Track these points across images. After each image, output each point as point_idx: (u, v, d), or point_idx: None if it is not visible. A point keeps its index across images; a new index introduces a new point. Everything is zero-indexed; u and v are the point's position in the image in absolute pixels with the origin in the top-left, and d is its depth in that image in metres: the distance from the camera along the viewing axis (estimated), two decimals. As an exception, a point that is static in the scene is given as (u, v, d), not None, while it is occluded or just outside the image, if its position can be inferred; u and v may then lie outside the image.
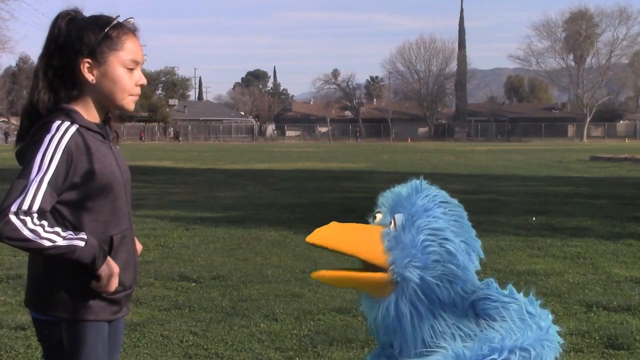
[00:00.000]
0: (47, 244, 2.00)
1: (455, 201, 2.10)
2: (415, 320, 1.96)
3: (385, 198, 2.10)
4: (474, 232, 2.07)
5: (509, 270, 7.00)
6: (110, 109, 2.27)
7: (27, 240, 1.98)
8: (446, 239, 1.98)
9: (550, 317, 1.95)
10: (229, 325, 5.18)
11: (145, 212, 11.00)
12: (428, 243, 1.96)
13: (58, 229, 2.03)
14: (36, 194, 2.01)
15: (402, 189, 2.09)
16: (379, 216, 2.09)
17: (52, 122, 2.10)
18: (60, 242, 2.01)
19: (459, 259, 1.97)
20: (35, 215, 2.00)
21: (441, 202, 2.04)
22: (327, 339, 4.83)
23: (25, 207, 1.99)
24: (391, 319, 1.98)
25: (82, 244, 2.04)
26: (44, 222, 2.01)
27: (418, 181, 2.11)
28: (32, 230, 1.98)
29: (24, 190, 2.00)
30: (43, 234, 2.00)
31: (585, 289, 6.25)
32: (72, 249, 2.02)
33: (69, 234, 2.04)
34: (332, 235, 2.00)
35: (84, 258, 2.05)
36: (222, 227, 9.93)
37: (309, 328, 5.11)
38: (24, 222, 1.98)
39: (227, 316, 5.42)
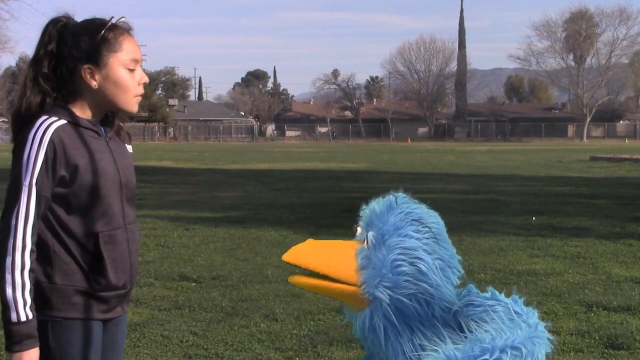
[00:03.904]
0: (8, 290, 1.99)
1: (434, 216, 2.07)
2: (392, 334, 1.96)
3: (363, 213, 2.11)
4: (453, 249, 2.05)
5: (509, 270, 7.00)
6: (114, 111, 2.24)
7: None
8: (418, 257, 1.96)
9: (537, 314, 1.95)
10: (229, 325, 5.19)
11: (145, 212, 11.00)
12: (398, 263, 1.95)
13: (28, 299, 2.01)
14: (28, 207, 2.01)
15: (376, 205, 2.08)
16: (358, 230, 2.10)
17: (39, 117, 2.09)
18: (10, 295, 1.98)
19: (432, 278, 1.95)
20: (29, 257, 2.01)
21: (414, 220, 2.01)
22: (327, 339, 4.83)
23: (19, 235, 2.00)
24: (368, 332, 1.99)
25: (14, 318, 1.99)
26: (28, 282, 2.01)
27: (393, 197, 2.08)
28: (14, 280, 1.99)
29: (15, 206, 2.01)
30: (18, 288, 1.99)
31: (585, 289, 6.26)
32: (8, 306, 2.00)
33: (23, 309, 2.00)
34: (306, 253, 2.02)
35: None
36: (222, 227, 9.93)
37: (309, 328, 5.11)
38: (18, 267, 2.00)
39: (227, 316, 5.43)
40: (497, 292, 2.02)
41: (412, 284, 1.94)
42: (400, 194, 2.09)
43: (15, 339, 1.99)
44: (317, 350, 4.63)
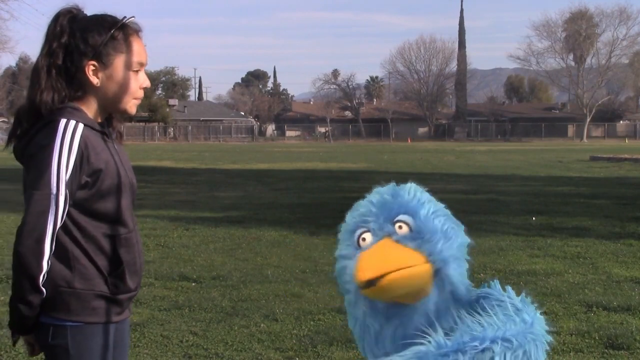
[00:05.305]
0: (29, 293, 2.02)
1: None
2: (451, 312, 1.93)
3: (365, 215, 1.98)
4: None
5: (509, 270, 7.01)
6: (112, 111, 2.22)
7: (32, 275, 2.00)
8: (451, 217, 1.96)
9: (538, 312, 1.94)
10: (229, 325, 5.19)
11: (145, 212, 11.01)
12: (447, 226, 1.92)
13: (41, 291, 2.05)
14: (56, 216, 2.00)
15: (379, 197, 1.99)
16: (367, 236, 1.95)
17: (58, 121, 2.03)
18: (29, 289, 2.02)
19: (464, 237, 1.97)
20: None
21: (423, 190, 2.00)
22: (327, 339, 4.83)
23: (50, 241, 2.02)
24: (434, 313, 1.90)
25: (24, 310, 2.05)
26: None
27: (390, 184, 2.02)
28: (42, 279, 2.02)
29: (49, 213, 1.99)
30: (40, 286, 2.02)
31: (585, 289, 6.26)
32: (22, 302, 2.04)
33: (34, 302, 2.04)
34: (377, 263, 1.85)
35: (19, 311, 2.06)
36: (222, 227, 9.93)
37: (309, 328, 5.11)
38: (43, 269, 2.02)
39: (227, 316, 5.43)
40: (511, 290, 2.01)
41: (458, 244, 1.93)
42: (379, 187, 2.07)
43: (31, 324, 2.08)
44: (317, 350, 4.63)
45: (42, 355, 2.19)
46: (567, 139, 78.29)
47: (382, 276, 1.81)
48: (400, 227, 1.93)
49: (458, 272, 1.95)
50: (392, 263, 1.85)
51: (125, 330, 2.31)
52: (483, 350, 1.77)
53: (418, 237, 1.91)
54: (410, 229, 1.92)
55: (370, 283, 1.82)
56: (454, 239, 1.94)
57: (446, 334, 1.85)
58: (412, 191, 2.00)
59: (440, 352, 1.78)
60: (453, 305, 1.94)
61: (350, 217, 2.01)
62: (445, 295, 1.92)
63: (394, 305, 1.92)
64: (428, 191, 2.07)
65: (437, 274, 1.89)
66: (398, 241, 1.90)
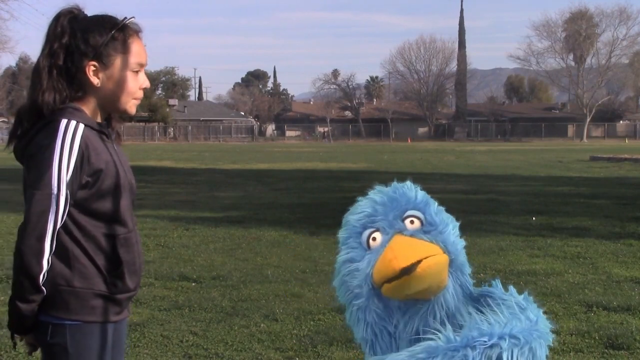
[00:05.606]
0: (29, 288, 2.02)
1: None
2: (464, 307, 1.96)
3: (372, 215, 1.99)
4: None
5: (509, 270, 7.01)
6: (112, 111, 2.23)
7: (32, 274, 2.01)
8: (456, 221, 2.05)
9: (541, 311, 1.94)
10: (229, 325, 5.19)
11: (145, 212, 11.00)
12: (450, 219, 2.02)
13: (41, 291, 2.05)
14: (57, 216, 2.01)
15: (383, 196, 2.01)
16: (378, 235, 1.96)
17: (59, 121, 2.04)
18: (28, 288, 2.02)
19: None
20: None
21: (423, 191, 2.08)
22: (327, 339, 4.83)
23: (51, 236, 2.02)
24: (453, 305, 1.93)
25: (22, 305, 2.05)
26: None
27: (392, 183, 2.06)
28: (42, 276, 2.02)
29: (49, 213, 2.00)
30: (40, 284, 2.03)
31: (585, 289, 6.26)
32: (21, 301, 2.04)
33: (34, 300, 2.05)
34: (408, 250, 1.87)
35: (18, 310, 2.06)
36: (222, 227, 9.93)
37: (309, 328, 5.11)
38: (44, 266, 2.02)
39: (227, 316, 5.43)
40: (514, 291, 2.02)
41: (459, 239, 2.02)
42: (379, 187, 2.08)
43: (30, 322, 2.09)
44: (317, 350, 4.63)
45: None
46: (567, 139, 78.27)
47: (417, 263, 1.83)
48: (412, 222, 1.96)
49: (467, 264, 1.99)
50: (424, 251, 1.87)
51: (123, 330, 2.31)
52: (491, 346, 1.78)
53: (431, 230, 1.94)
54: (422, 223, 1.95)
55: (406, 271, 1.82)
56: (457, 232, 1.98)
57: (454, 331, 1.86)
58: (415, 188, 2.03)
59: (450, 346, 1.80)
60: (463, 300, 1.97)
61: (355, 219, 2.01)
62: (457, 288, 1.95)
63: (409, 303, 1.93)
64: (425, 190, 2.09)
65: (452, 264, 1.93)
66: (412, 235, 1.91)
